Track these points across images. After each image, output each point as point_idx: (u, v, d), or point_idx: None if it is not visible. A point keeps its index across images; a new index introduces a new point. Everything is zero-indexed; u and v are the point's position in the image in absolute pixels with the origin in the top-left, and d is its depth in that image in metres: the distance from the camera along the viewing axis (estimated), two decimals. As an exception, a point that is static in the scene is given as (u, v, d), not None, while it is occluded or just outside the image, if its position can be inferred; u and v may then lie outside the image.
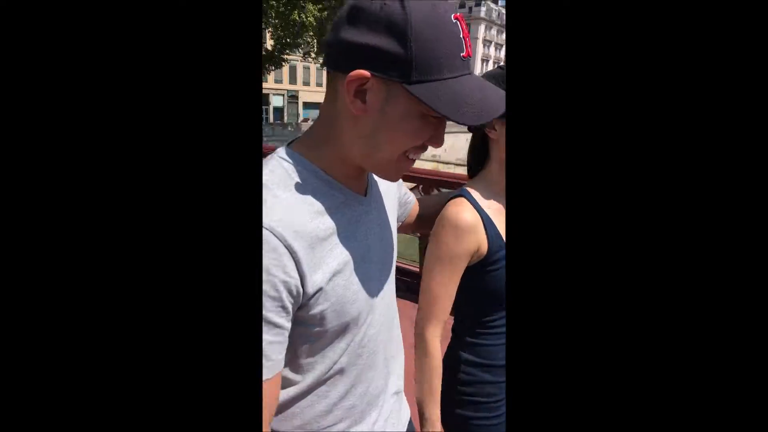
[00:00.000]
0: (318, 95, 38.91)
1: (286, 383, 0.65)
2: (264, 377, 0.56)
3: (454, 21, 0.55)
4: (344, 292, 0.63)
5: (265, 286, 0.54)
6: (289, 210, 0.58)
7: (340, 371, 0.67)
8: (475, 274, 0.92)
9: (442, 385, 0.93)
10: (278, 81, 33.98)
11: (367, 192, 0.71)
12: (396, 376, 0.79)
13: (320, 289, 0.60)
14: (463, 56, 0.56)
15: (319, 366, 0.65)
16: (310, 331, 0.62)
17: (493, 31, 60.01)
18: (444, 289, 0.91)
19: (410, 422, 0.87)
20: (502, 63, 1.11)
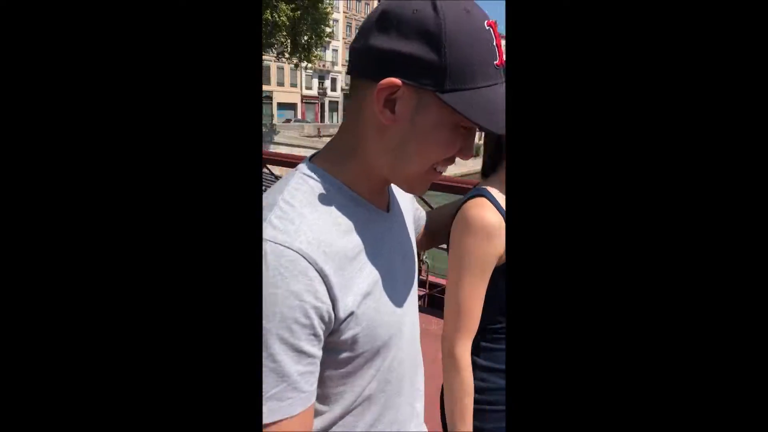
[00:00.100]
0: (293, 96, 38.70)
1: None
2: (296, 411, 0.52)
3: (487, 28, 0.54)
4: (375, 314, 0.59)
5: (296, 313, 0.51)
6: (317, 230, 0.55)
7: (368, 399, 0.63)
8: (494, 277, 0.88)
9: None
10: (252, 82, 33.57)
11: (389, 207, 0.68)
12: (421, 401, 0.76)
13: (352, 313, 0.56)
14: (496, 64, 0.54)
15: (347, 395, 0.61)
16: (338, 358, 0.58)
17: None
18: (474, 299, 0.85)
19: None
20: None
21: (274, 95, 36.42)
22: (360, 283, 0.57)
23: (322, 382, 0.58)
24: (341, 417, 0.62)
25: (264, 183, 3.57)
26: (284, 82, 37.44)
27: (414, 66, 0.52)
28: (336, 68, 42.64)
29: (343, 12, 41.23)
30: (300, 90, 39.76)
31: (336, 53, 42.37)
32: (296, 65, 22.59)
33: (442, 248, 1.11)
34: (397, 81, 0.52)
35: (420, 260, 3.03)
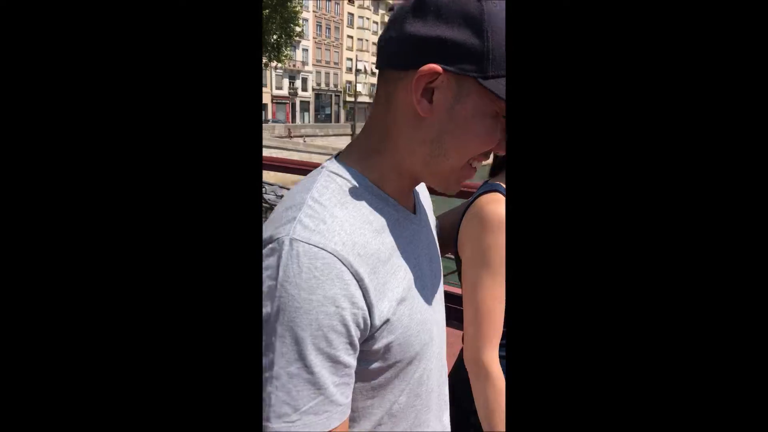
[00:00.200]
0: (263, 96, 38.14)
1: None
2: (333, 425, 0.48)
3: None
4: (409, 322, 0.55)
5: (333, 321, 0.47)
6: (350, 230, 0.51)
7: (397, 415, 0.59)
8: None
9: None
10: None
11: (415, 209, 0.64)
12: (447, 412, 0.71)
13: (387, 321, 0.52)
14: None
15: (376, 410, 0.57)
16: (368, 369, 0.54)
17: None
18: (497, 301, 0.80)
19: None
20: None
21: (244, 95, 35.88)
22: (394, 288, 0.54)
23: None
24: None
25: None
26: (254, 81, 36.96)
27: (455, 52, 0.49)
28: (306, 68, 42.28)
29: (313, 11, 40.93)
30: (270, 90, 39.27)
31: (306, 53, 42.01)
32: (266, 65, 22.27)
33: (449, 257, 1.06)
34: (437, 68, 0.49)
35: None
